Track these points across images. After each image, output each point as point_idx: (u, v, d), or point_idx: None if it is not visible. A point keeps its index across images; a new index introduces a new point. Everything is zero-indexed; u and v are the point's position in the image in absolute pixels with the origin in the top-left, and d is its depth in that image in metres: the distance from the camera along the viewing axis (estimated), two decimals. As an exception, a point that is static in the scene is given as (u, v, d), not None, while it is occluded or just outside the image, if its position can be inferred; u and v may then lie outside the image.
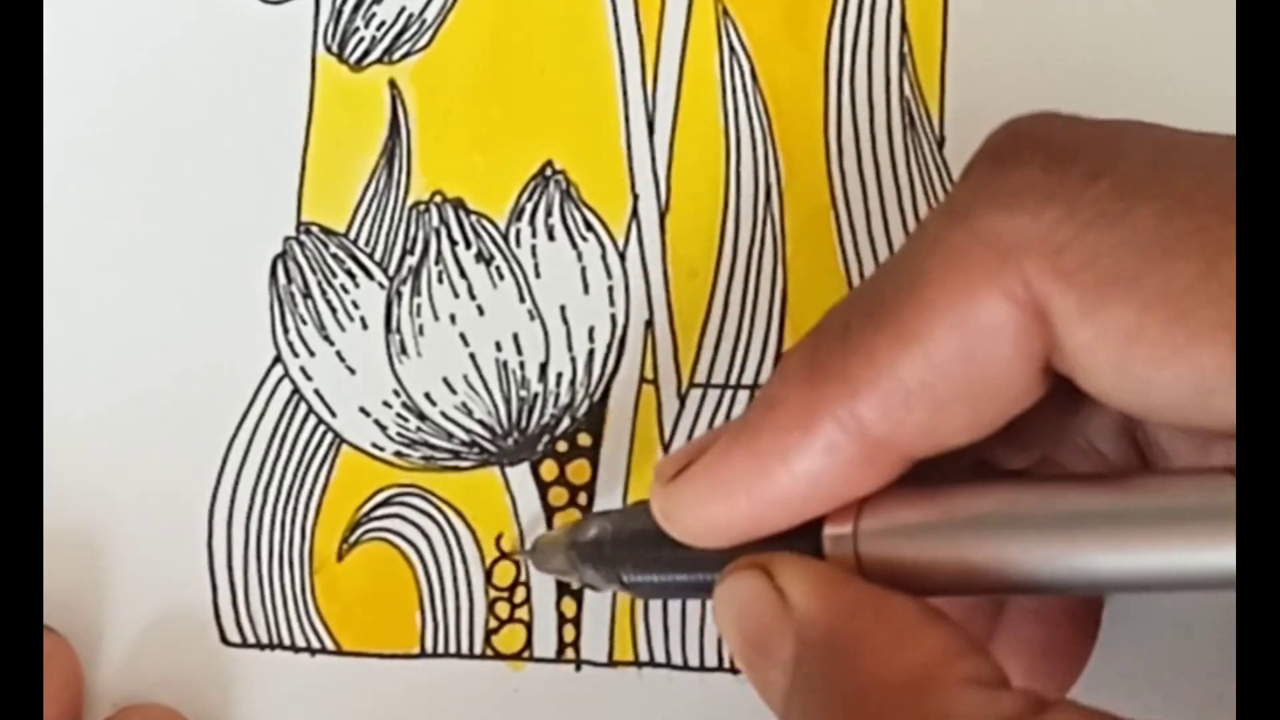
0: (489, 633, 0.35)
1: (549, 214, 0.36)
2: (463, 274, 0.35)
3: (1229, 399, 0.22)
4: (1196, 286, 0.22)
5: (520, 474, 0.35)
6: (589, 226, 0.36)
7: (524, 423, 0.35)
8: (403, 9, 0.37)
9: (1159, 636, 0.32)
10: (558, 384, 0.35)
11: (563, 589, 0.35)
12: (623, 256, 0.36)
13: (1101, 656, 0.30)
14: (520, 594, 0.35)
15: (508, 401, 0.35)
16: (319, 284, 0.36)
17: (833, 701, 0.23)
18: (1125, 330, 0.22)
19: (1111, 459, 0.28)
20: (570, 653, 0.34)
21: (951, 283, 0.24)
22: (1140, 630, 0.32)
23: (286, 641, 0.35)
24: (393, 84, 0.36)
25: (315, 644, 0.35)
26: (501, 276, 0.35)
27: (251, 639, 0.35)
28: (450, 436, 0.35)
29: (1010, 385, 0.24)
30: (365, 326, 0.36)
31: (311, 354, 0.36)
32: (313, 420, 0.36)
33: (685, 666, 0.34)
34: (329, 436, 0.36)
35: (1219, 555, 0.22)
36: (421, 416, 0.35)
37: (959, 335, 0.24)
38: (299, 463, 0.35)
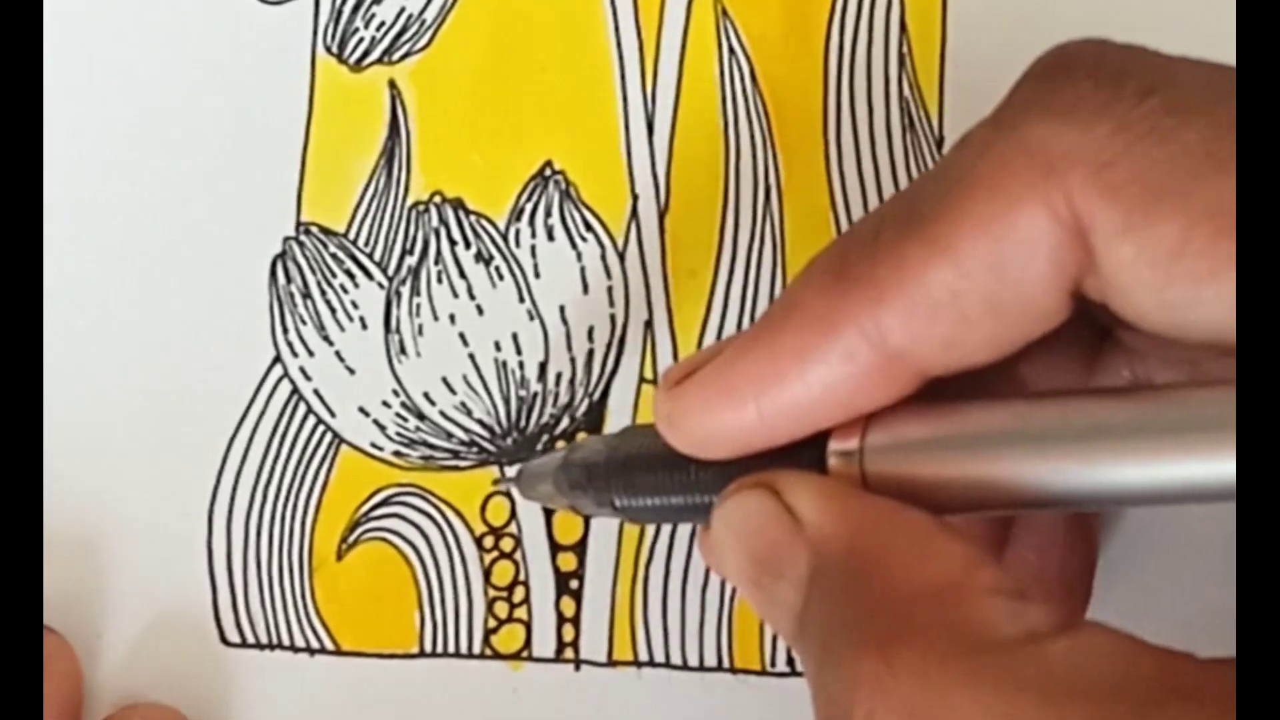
0: (488, 632, 0.35)
1: (548, 214, 0.36)
2: (462, 274, 0.36)
3: None
4: None
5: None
6: (588, 227, 0.36)
7: (523, 423, 0.35)
8: (402, 9, 0.37)
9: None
10: (557, 384, 0.35)
11: (562, 588, 0.35)
12: (622, 256, 0.36)
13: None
14: (519, 593, 0.35)
15: (507, 401, 0.35)
16: (319, 284, 0.36)
17: (856, 613, 0.23)
18: (1170, 245, 0.22)
19: None
20: (569, 652, 0.34)
21: (992, 192, 0.23)
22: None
23: (286, 641, 0.35)
24: (392, 84, 0.36)
25: (315, 644, 0.35)
26: (501, 277, 0.35)
27: (251, 639, 0.35)
28: (449, 436, 0.35)
29: (1037, 305, 0.24)
30: (365, 326, 0.36)
31: (311, 354, 0.36)
32: (312, 420, 0.36)
33: (685, 666, 0.34)
34: (328, 436, 0.36)
35: (1224, 466, 0.22)
36: (421, 416, 0.35)
37: (993, 246, 0.23)
38: (298, 462, 0.35)
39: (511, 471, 0.35)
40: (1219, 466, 0.22)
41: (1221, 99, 0.23)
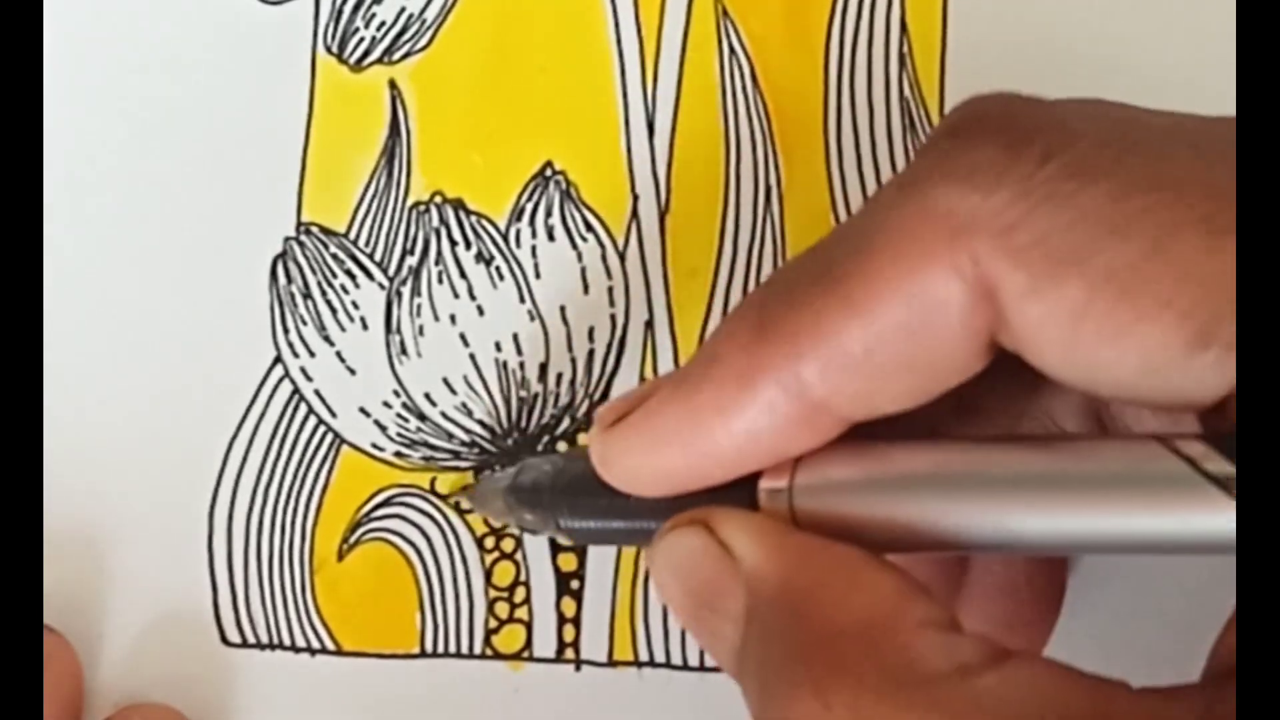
0: (489, 633, 0.35)
1: (549, 214, 0.36)
2: (463, 274, 0.36)
3: (1175, 375, 0.22)
4: (1142, 265, 0.22)
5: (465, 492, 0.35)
6: (589, 227, 0.36)
7: (524, 423, 0.35)
8: (403, 9, 0.37)
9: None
10: (558, 384, 0.35)
11: (562, 588, 0.35)
12: (623, 257, 0.36)
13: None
14: (520, 594, 0.35)
15: (508, 402, 0.35)
16: (319, 284, 0.36)
17: (791, 650, 0.23)
18: (1073, 308, 0.22)
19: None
20: (570, 653, 0.34)
21: (901, 255, 0.24)
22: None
23: (286, 641, 0.35)
24: (393, 84, 0.36)
25: (315, 644, 0.35)
26: (501, 277, 0.35)
27: (251, 639, 0.35)
28: (450, 437, 0.35)
29: (952, 358, 0.24)
30: (365, 327, 0.36)
31: (312, 354, 0.36)
32: (313, 421, 0.36)
33: (685, 666, 0.34)
34: (329, 437, 0.36)
35: (1132, 520, 0.22)
36: (421, 417, 0.35)
37: (904, 307, 0.24)
38: (299, 463, 0.35)
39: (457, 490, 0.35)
40: (1129, 520, 0.22)
41: (1121, 158, 0.23)
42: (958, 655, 0.22)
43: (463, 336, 0.35)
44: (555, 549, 0.35)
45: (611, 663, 0.34)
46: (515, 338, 0.35)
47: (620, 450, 0.27)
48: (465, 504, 0.35)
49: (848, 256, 0.24)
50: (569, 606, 0.35)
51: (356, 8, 0.37)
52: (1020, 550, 0.25)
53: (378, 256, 0.36)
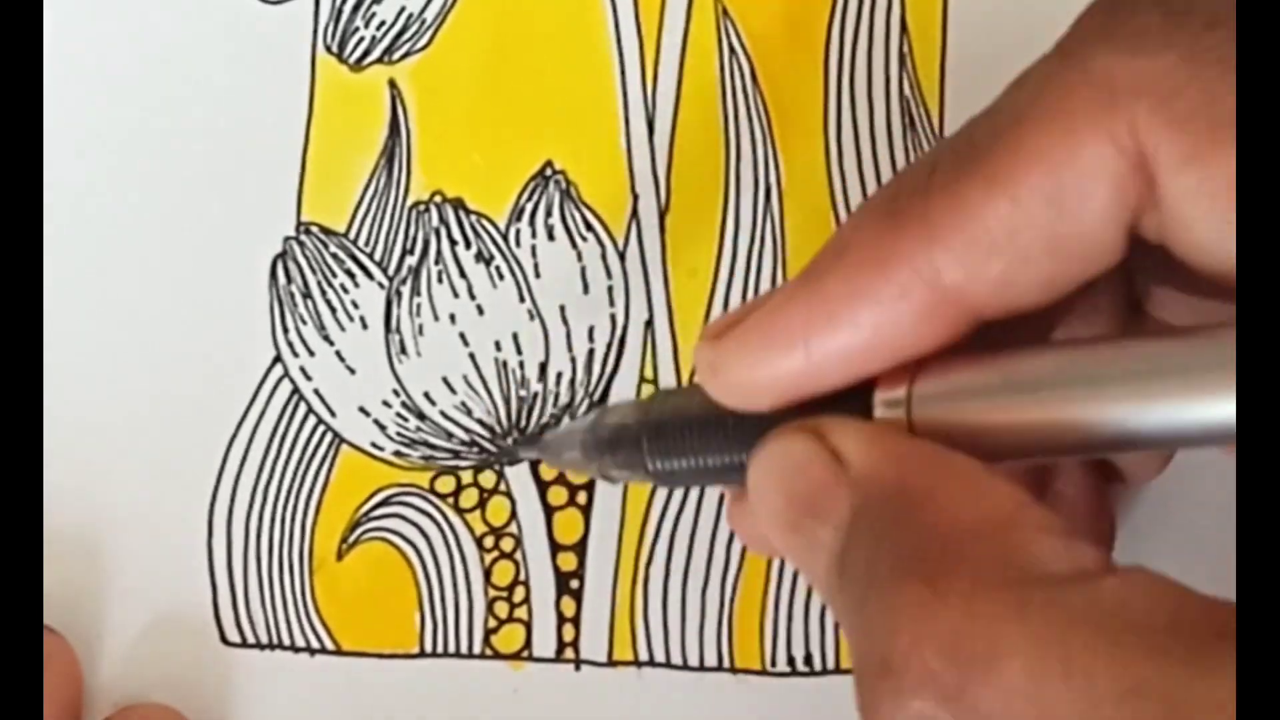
0: (488, 632, 0.35)
1: (549, 214, 0.36)
2: (462, 274, 0.36)
3: None
4: None
5: (520, 473, 0.35)
6: (589, 226, 0.36)
7: (523, 422, 0.35)
8: (402, 9, 0.37)
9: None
10: (557, 384, 0.35)
11: (562, 588, 0.35)
12: (622, 256, 0.36)
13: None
14: (519, 593, 0.35)
15: (507, 401, 0.35)
16: (319, 284, 0.36)
17: (903, 547, 0.22)
18: (1232, 177, 0.22)
19: None
20: (569, 652, 0.34)
21: (1053, 124, 0.23)
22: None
23: (286, 641, 0.35)
24: (393, 84, 0.36)
25: (315, 644, 0.35)
26: (501, 276, 0.35)
27: (251, 639, 0.35)
28: (450, 436, 0.35)
29: (1095, 240, 0.23)
30: (365, 326, 0.36)
31: (311, 354, 0.36)
32: (312, 420, 0.36)
33: (685, 666, 0.34)
34: (329, 436, 0.36)
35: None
36: (421, 416, 0.35)
37: (1053, 180, 0.23)
38: (299, 463, 0.35)
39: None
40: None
41: None
42: (1078, 561, 0.22)
43: (462, 336, 0.35)
44: (555, 548, 0.35)
45: (611, 663, 0.34)
46: (515, 337, 0.35)
47: (736, 355, 0.26)
48: (531, 456, 0.34)
49: (991, 134, 0.24)
50: (568, 606, 0.35)
51: (356, 7, 0.37)
52: (1161, 445, 0.24)
53: (377, 256, 0.36)
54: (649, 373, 0.35)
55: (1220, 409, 0.22)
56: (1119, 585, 0.21)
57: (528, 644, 0.35)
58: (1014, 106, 0.24)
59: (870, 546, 0.23)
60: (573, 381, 0.35)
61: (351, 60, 0.37)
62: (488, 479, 0.35)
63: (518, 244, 0.36)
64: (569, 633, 0.35)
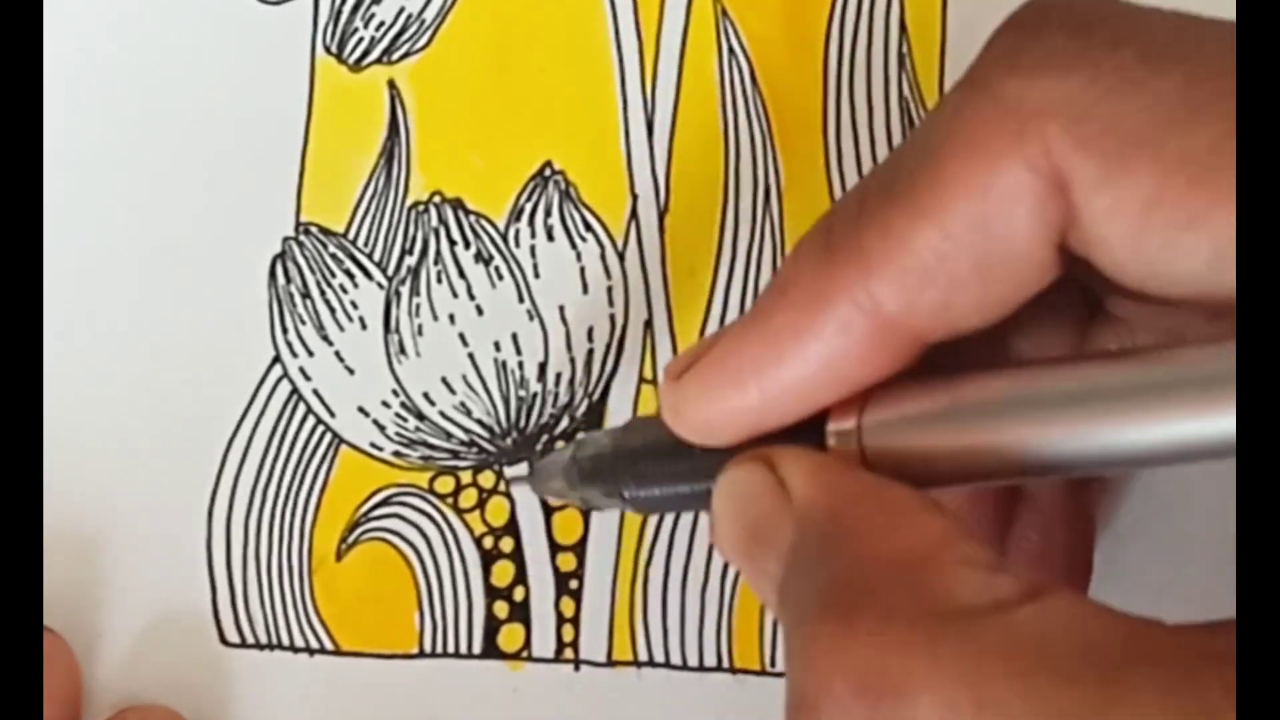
0: (488, 632, 0.35)
1: (548, 214, 0.36)
2: (462, 274, 0.36)
3: None
4: (1217, 151, 0.22)
5: (519, 473, 0.35)
6: (588, 227, 0.36)
7: (523, 423, 0.35)
8: (402, 9, 0.37)
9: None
10: (557, 384, 0.35)
11: (561, 588, 0.35)
12: (622, 256, 0.36)
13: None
14: (519, 594, 0.35)
15: (506, 401, 0.35)
16: (318, 284, 0.36)
17: (827, 581, 0.23)
18: (1145, 196, 0.22)
19: None
20: (569, 652, 0.34)
21: (970, 151, 0.23)
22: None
23: (285, 641, 0.35)
24: (392, 84, 0.36)
25: (314, 644, 0.35)
26: (500, 277, 0.35)
27: (250, 639, 0.35)
28: (449, 436, 0.35)
29: (1025, 261, 0.24)
30: (364, 326, 0.36)
31: (310, 354, 0.36)
32: (311, 420, 0.36)
33: (684, 666, 0.34)
34: (328, 436, 0.36)
35: (1220, 423, 0.22)
36: (420, 416, 0.35)
37: (976, 205, 0.23)
38: (298, 463, 0.35)
39: (512, 472, 0.35)
40: (1215, 423, 0.22)
41: (1195, 46, 0.23)
42: (995, 592, 0.22)
43: (461, 336, 0.35)
44: (554, 549, 0.35)
45: (610, 663, 0.34)
46: (514, 337, 0.35)
47: (693, 396, 0.27)
48: (524, 489, 0.34)
49: (915, 163, 0.24)
50: (568, 606, 0.35)
51: (356, 8, 0.37)
52: (1107, 468, 0.24)
53: (377, 256, 0.36)
54: (648, 373, 0.35)
55: (1158, 431, 0.22)
56: (1035, 614, 0.21)
57: (527, 644, 0.35)
58: (933, 135, 0.24)
59: (800, 578, 0.24)
60: (572, 382, 0.35)
61: (351, 61, 0.37)
62: (487, 479, 0.35)
63: (517, 244, 0.36)
64: (568, 633, 0.35)
